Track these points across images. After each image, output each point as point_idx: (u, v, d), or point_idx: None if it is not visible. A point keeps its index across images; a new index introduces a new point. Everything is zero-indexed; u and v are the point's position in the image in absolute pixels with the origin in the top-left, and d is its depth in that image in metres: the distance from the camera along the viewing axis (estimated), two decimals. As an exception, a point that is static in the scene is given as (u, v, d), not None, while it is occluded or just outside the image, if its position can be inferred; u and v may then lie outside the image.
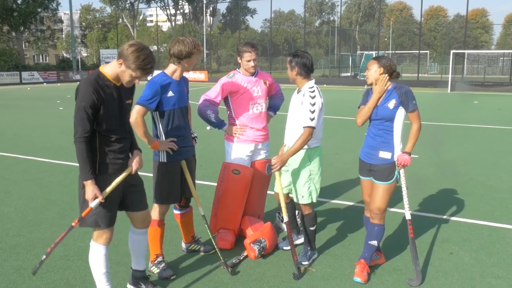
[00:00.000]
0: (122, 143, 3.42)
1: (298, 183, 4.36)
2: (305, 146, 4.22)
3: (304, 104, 4.17)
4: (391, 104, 4.04)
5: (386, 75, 4.07)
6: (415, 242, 4.18)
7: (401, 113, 4.06)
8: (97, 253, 3.44)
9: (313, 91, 4.20)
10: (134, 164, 3.49)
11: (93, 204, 3.25)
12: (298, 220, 4.80)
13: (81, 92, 3.15)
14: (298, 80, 4.32)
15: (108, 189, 3.33)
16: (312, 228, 4.48)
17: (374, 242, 4.16)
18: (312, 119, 4.11)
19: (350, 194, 6.69)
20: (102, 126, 3.25)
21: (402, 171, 4.12)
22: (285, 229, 5.16)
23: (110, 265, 3.61)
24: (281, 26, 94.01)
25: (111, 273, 3.72)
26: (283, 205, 4.36)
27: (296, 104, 4.32)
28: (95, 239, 3.44)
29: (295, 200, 4.47)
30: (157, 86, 3.93)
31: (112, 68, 3.25)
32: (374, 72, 4.08)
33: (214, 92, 4.73)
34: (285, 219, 4.34)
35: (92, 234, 3.45)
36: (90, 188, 3.23)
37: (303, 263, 4.40)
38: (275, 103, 5.12)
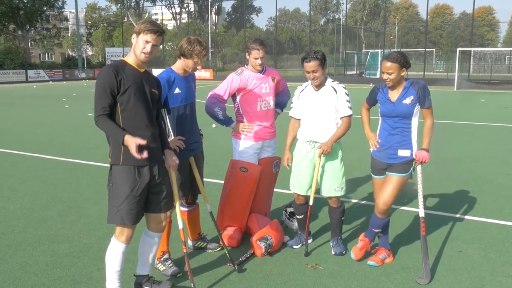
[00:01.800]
0: (149, 132, 3.37)
1: (336, 175, 4.42)
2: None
3: (340, 96, 4.32)
4: (409, 100, 3.97)
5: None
6: (426, 240, 4.13)
7: (417, 109, 4.01)
8: (115, 250, 3.42)
9: (340, 83, 4.41)
10: (172, 163, 3.54)
11: (144, 155, 3.16)
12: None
13: (100, 73, 3.29)
14: (323, 78, 4.33)
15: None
16: (343, 218, 4.63)
17: (378, 229, 4.25)
18: (350, 108, 4.35)
19: (357, 192, 6.65)
20: (126, 108, 3.26)
21: (419, 167, 4.06)
22: (293, 227, 5.15)
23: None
24: (286, 25, 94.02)
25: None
26: (313, 187, 4.45)
27: (321, 100, 4.34)
28: (117, 236, 3.42)
29: (327, 194, 4.48)
30: (163, 82, 3.91)
31: (131, 55, 3.38)
32: (397, 75, 3.95)
33: (221, 89, 4.70)
34: (311, 202, 4.48)
35: (115, 231, 3.43)
36: (131, 140, 3.13)
37: (343, 253, 4.50)
38: (282, 100, 5.08)
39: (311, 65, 4.21)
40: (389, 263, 4.34)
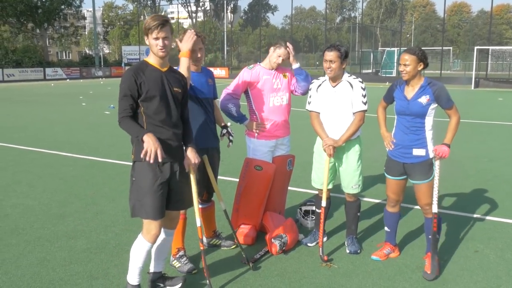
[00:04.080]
0: (171, 131, 3.41)
1: (354, 174, 4.45)
2: (358, 133, 4.41)
3: (356, 90, 4.31)
4: (424, 99, 3.95)
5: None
6: (436, 236, 4.11)
7: (433, 109, 3.99)
8: (141, 248, 3.47)
9: (357, 77, 4.36)
10: (190, 161, 3.51)
11: (156, 159, 3.17)
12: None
13: (123, 76, 3.37)
14: (340, 73, 4.33)
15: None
16: (359, 214, 4.63)
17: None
18: (365, 103, 4.33)
19: (372, 192, 6.63)
20: (149, 109, 3.32)
21: (437, 162, 4.04)
22: (308, 226, 5.15)
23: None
24: (302, 23, 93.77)
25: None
26: (325, 189, 4.44)
27: (338, 96, 4.34)
28: (144, 234, 3.45)
29: (345, 190, 4.54)
30: None
31: (151, 55, 3.43)
32: (414, 68, 3.95)
33: (234, 85, 4.73)
34: (324, 203, 4.44)
35: (142, 228, 3.46)
36: (151, 139, 3.16)
37: (358, 251, 4.50)
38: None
39: (330, 54, 4.22)
40: (402, 261, 4.33)
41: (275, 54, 4.70)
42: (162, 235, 3.68)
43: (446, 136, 4.03)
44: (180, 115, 3.56)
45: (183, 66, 3.92)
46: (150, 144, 3.15)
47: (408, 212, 5.67)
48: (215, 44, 65.44)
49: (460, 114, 4.09)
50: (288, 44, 4.70)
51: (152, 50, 3.38)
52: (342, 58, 4.25)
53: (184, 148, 3.59)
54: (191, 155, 3.53)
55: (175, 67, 4.02)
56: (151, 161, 3.16)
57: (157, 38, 3.31)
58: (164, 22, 3.31)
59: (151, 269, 3.79)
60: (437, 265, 4.05)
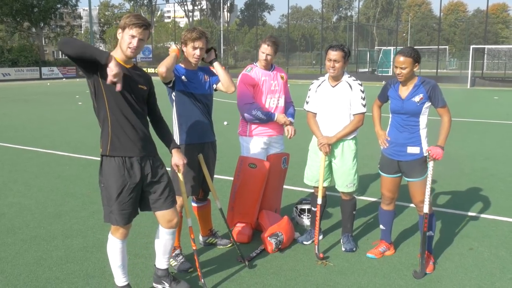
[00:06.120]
0: (138, 130, 3.32)
1: (349, 172, 4.47)
2: (354, 133, 4.41)
3: (355, 92, 4.33)
4: (418, 98, 3.99)
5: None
6: (426, 236, 4.12)
7: (427, 108, 4.02)
8: (113, 246, 3.46)
9: (356, 79, 4.40)
10: (178, 162, 3.53)
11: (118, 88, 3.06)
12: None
13: None
14: (341, 72, 4.36)
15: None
16: (354, 212, 4.65)
17: (430, 233, 4.18)
18: (364, 106, 4.36)
19: (369, 190, 6.66)
20: (116, 106, 3.22)
21: (431, 163, 4.06)
22: (304, 224, 5.17)
23: (128, 257, 3.63)
24: (298, 22, 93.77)
25: (130, 265, 3.74)
26: (320, 187, 4.47)
27: (336, 96, 4.36)
28: (112, 232, 3.45)
29: (340, 189, 4.56)
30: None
31: (118, 51, 3.28)
32: (410, 70, 3.96)
33: (243, 92, 4.67)
34: (319, 201, 4.47)
35: (111, 226, 3.47)
36: (114, 63, 3.01)
37: (354, 249, 4.52)
38: (291, 112, 4.97)
39: (335, 53, 4.24)
40: (398, 259, 4.35)
41: (260, 52, 4.70)
42: (161, 235, 3.62)
43: (440, 137, 4.05)
44: (152, 113, 3.54)
45: (169, 56, 3.97)
46: (117, 68, 3.00)
47: (403, 210, 5.70)
48: (212, 43, 65.39)
49: (453, 113, 4.12)
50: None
51: (121, 46, 3.23)
52: (345, 58, 4.29)
53: (168, 148, 3.60)
54: (177, 156, 3.54)
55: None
56: (119, 87, 3.03)
57: (133, 37, 3.18)
58: (147, 26, 3.23)
59: (156, 264, 3.78)
60: (426, 264, 4.08)
